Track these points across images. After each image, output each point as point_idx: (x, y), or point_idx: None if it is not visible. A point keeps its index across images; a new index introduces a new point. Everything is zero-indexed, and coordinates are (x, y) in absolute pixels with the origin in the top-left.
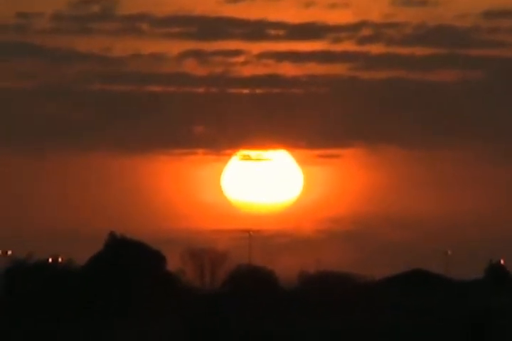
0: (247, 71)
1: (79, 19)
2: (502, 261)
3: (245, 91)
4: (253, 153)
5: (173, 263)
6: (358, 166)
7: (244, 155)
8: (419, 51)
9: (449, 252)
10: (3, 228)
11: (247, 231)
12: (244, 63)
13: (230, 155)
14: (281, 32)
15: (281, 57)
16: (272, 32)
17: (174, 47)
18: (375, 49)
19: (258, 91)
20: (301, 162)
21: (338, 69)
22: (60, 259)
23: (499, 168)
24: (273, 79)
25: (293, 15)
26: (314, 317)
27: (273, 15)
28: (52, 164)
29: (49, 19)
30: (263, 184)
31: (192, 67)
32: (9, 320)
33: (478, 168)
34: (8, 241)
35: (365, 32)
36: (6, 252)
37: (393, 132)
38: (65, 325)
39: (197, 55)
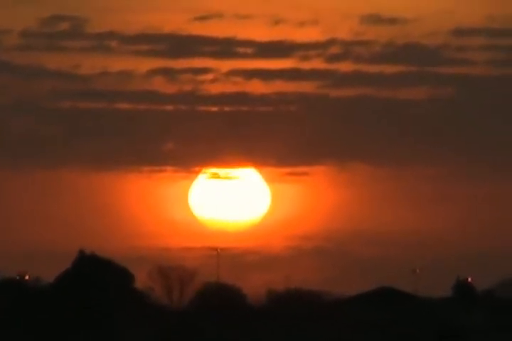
0: (216, 89)
1: (48, 36)
2: (469, 279)
3: (214, 109)
4: (221, 170)
5: (141, 281)
6: (328, 184)
7: (213, 173)
8: (388, 69)
9: (417, 270)
10: None
11: (215, 248)
12: (213, 81)
13: (198, 173)
14: (249, 50)
15: (250, 74)
16: (241, 50)
17: (143, 65)
18: (344, 67)
19: (227, 108)
20: (270, 180)
21: (307, 86)
22: (27, 277)
23: (468, 185)
24: (242, 97)
25: (261, 33)
26: (281, 333)
27: (242, 33)
28: (20, 181)
29: (18, 36)
30: (231, 201)
31: (161, 85)
32: None
33: (447, 186)
34: None
35: (334, 50)
36: None
37: (363, 150)
38: None
39: (166, 72)
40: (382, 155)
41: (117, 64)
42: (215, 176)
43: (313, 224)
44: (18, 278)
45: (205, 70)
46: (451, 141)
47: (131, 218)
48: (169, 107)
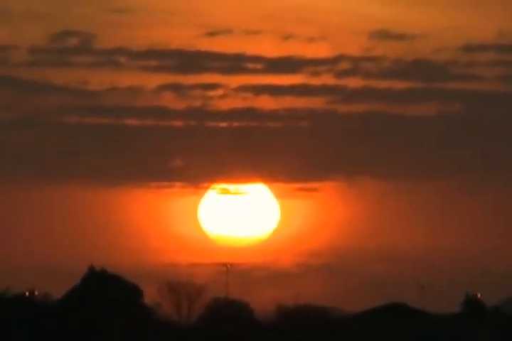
0: (225, 104)
1: (56, 52)
2: (479, 295)
3: (223, 124)
4: (230, 186)
5: (150, 297)
6: (337, 199)
7: (222, 189)
8: (397, 85)
9: (426, 285)
10: None
11: (225, 264)
12: (223, 96)
13: (207, 189)
14: (259, 65)
15: (259, 90)
16: (250, 65)
17: (151, 81)
18: (353, 82)
19: (236, 124)
20: (279, 195)
21: (317, 102)
22: (36, 293)
23: (477, 200)
24: (251, 113)
25: (271, 49)
26: None
27: (251, 49)
28: (27, 197)
29: (26, 52)
30: (240, 217)
31: (169, 101)
32: None
33: (456, 201)
34: None
35: (343, 65)
36: None
37: (372, 165)
38: None
39: (174, 88)
40: (391, 170)
41: (126, 79)
42: (224, 192)
43: (322, 241)
44: (27, 294)
45: (214, 86)
46: (459, 156)
47: (139, 234)
48: (178, 123)
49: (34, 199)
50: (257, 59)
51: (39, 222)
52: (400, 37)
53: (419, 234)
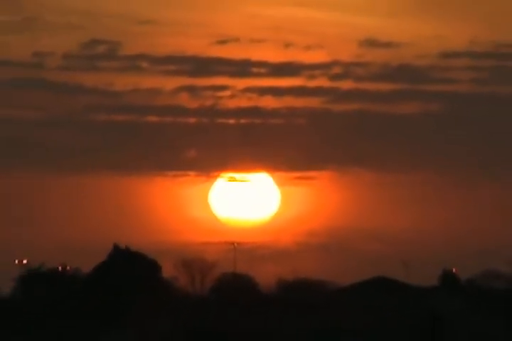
0: (233, 103)
1: (86, 58)
2: (454, 270)
3: (231, 121)
4: (238, 175)
5: (167, 271)
6: (331, 187)
7: (230, 177)
8: (384, 87)
9: (410, 262)
10: (21, 240)
11: (232, 243)
12: (231, 97)
13: (217, 177)
14: (263, 70)
15: (263, 91)
16: (255, 70)
17: (170, 83)
18: (345, 85)
19: (243, 121)
20: (280, 183)
21: (313, 102)
22: (68, 268)
23: (456, 188)
24: (256, 111)
25: (273, 55)
26: (289, 318)
27: (256, 55)
28: (62, 185)
29: (60, 58)
30: (246, 202)
31: (185, 100)
32: (25, 320)
33: (437, 189)
34: (23, 252)
35: (336, 70)
36: (22, 261)
37: (362, 157)
38: (70, 326)
39: (189, 89)
40: (379, 162)
41: (147, 82)
42: (232, 179)
43: (318, 222)
44: (60, 268)
45: (223, 87)
46: (440, 150)
47: (158, 216)
48: (192, 120)
49: (68, 188)
50: (261, 64)
51: (72, 207)
52: (387, 45)
53: (404, 218)
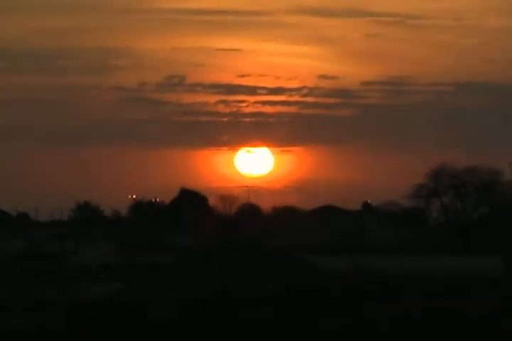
0: (248, 110)
1: (167, 85)
2: (369, 201)
3: (247, 120)
4: (251, 148)
5: (211, 202)
6: (303, 155)
7: (247, 150)
8: (330, 100)
9: (347, 199)
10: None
11: (247, 186)
12: (246, 106)
13: (239, 150)
14: (264, 91)
15: (264, 103)
16: (260, 91)
17: (212, 98)
18: (310, 100)
19: (253, 120)
20: (274, 153)
21: (292, 109)
22: (157, 199)
23: (373, 154)
24: (261, 115)
25: (270, 83)
26: (280, 230)
27: (261, 83)
28: (155, 155)
29: (154, 85)
30: (255, 164)
31: (221, 108)
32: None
33: (362, 160)
34: (135, 190)
35: (305, 91)
36: (133, 196)
37: (316, 138)
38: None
39: (224, 102)
40: (327, 141)
41: (201, 98)
42: (248, 152)
43: (297, 176)
44: (154, 200)
45: (242, 101)
46: (360, 135)
47: (207, 172)
48: (225, 119)
49: (164, 158)
50: (263, 88)
51: (161, 170)
52: (333, 77)
53: (348, 173)
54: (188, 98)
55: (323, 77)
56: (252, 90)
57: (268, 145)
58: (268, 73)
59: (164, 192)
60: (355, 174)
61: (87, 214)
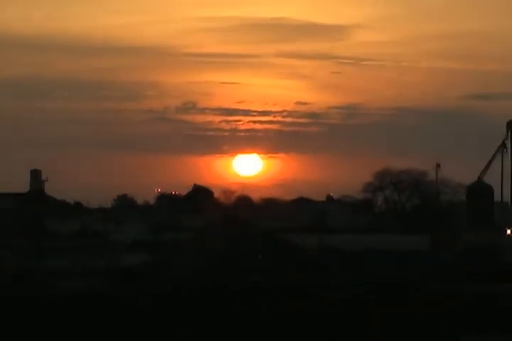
0: (243, 127)
1: (183, 109)
2: (331, 194)
3: (242, 134)
4: (245, 155)
5: (217, 195)
6: (286, 160)
7: (242, 157)
8: (304, 121)
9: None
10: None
11: (242, 183)
12: (242, 124)
13: (234, 156)
14: (255, 113)
15: (254, 122)
16: (252, 113)
17: (216, 118)
18: (288, 120)
19: (246, 134)
20: (262, 158)
21: (275, 127)
22: (177, 192)
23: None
24: (252, 130)
25: (259, 107)
26: (268, 214)
27: (253, 107)
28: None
29: (174, 110)
30: (249, 167)
31: (223, 126)
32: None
33: (332, 165)
34: (158, 184)
35: (285, 113)
36: (158, 189)
37: (294, 148)
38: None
39: (225, 121)
40: (301, 150)
41: (208, 118)
42: (243, 157)
43: (280, 177)
44: (174, 192)
45: (239, 120)
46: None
47: (212, 173)
48: (226, 133)
49: (183, 163)
50: (253, 111)
51: (182, 168)
52: (305, 103)
53: (317, 173)
54: (199, 118)
55: (299, 103)
56: (247, 112)
57: (258, 153)
58: (258, 100)
59: (181, 187)
60: (322, 174)
61: (124, 203)
